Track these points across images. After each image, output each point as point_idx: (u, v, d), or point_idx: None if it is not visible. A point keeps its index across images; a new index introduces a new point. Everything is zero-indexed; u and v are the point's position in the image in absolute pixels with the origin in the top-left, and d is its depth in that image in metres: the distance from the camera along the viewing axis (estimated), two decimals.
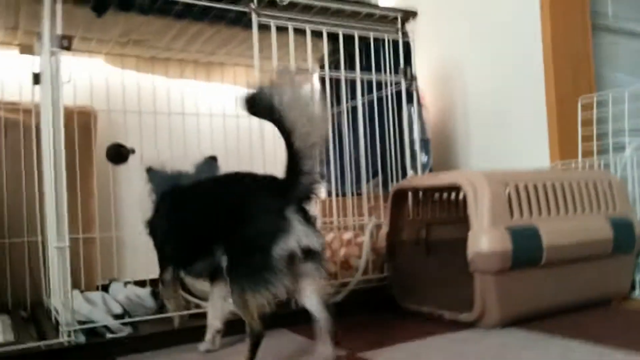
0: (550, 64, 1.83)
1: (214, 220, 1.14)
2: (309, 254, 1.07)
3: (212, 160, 1.43)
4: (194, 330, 1.34)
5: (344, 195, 1.84)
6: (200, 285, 1.77)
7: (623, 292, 1.52)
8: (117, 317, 1.45)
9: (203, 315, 1.36)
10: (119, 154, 2.05)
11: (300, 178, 1.05)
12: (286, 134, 1.04)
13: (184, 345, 1.31)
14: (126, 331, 1.35)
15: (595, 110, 1.77)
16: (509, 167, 1.91)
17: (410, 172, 1.80)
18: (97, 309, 1.44)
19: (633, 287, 1.54)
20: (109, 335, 1.31)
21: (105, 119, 2.08)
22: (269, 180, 1.13)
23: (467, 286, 1.38)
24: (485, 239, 1.26)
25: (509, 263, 1.26)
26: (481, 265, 1.26)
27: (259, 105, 1.08)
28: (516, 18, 1.92)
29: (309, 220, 1.07)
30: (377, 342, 1.24)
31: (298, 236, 1.04)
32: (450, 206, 1.69)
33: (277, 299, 1.09)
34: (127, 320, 1.39)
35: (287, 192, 1.06)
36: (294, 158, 1.05)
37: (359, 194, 1.77)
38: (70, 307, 1.29)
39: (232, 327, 1.38)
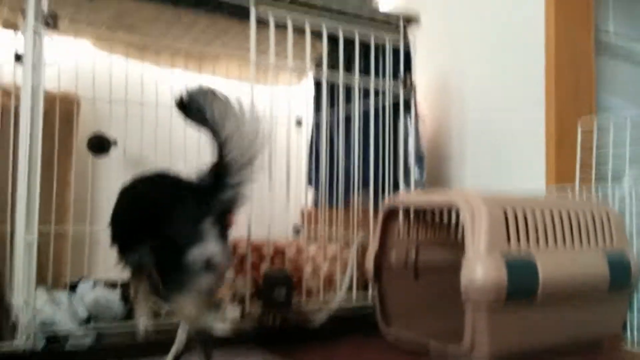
0: (552, 84, 1.77)
1: (142, 216, 1.17)
2: (211, 267, 1.07)
3: None
4: (163, 343, 1.25)
5: (331, 206, 1.76)
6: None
7: (616, 332, 1.46)
8: (81, 320, 1.36)
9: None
10: (100, 144, 1.96)
11: (225, 190, 1.07)
12: (218, 144, 1.07)
13: (151, 358, 1.22)
14: (89, 339, 1.26)
15: (595, 136, 1.72)
16: (504, 186, 1.85)
17: (402, 186, 1.73)
18: (62, 311, 1.35)
19: (624, 328, 1.48)
20: (69, 343, 1.22)
21: (89, 107, 1.98)
22: (196, 186, 1.12)
23: (456, 315, 1.32)
24: (480, 267, 1.19)
25: (503, 295, 1.19)
26: (474, 295, 1.19)
27: (193, 109, 1.10)
28: (520, 33, 1.86)
29: (222, 234, 1.08)
30: None
31: (208, 248, 1.06)
32: (441, 227, 1.62)
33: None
34: (91, 328, 1.29)
35: (210, 202, 1.08)
36: (222, 170, 1.07)
37: (347, 206, 1.70)
38: (32, 307, 1.20)
39: None
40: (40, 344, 1.19)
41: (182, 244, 1.06)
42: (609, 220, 1.45)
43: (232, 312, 1.44)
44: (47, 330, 1.22)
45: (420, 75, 1.90)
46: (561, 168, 1.76)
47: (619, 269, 1.40)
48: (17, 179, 1.59)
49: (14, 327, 1.30)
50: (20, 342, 1.17)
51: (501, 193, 1.42)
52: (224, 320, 1.30)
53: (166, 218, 1.10)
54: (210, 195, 1.08)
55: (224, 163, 1.07)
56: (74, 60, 1.93)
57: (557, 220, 1.34)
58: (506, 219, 1.25)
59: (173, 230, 1.09)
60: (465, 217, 1.24)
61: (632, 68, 2.08)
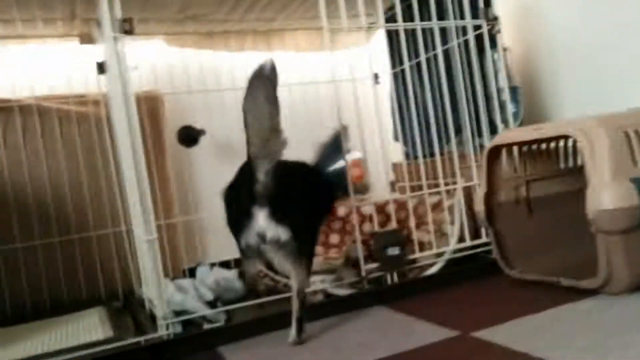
0: None
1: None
2: (278, 244, 1.19)
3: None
4: (288, 315, 1.29)
5: (431, 155, 1.71)
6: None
7: None
8: (209, 303, 1.42)
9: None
10: (189, 136, 2.03)
11: (256, 185, 1.17)
12: (246, 138, 1.16)
13: (282, 331, 1.25)
14: (222, 319, 1.32)
15: None
16: (608, 107, 1.70)
17: (500, 125, 1.64)
18: (189, 297, 1.42)
19: None
20: (206, 326, 1.29)
21: (172, 102, 2.04)
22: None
23: (581, 248, 1.24)
24: (607, 194, 1.10)
25: (637, 219, 1.10)
26: (605, 224, 1.11)
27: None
28: None
29: (275, 215, 1.18)
30: (488, 318, 1.13)
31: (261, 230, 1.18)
32: (549, 159, 1.53)
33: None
34: (222, 308, 1.35)
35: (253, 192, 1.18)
36: (250, 164, 1.17)
37: (442, 154, 1.64)
38: (165, 299, 1.27)
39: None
40: (179, 331, 1.25)
41: (235, 231, 1.24)
42: None
43: (348, 275, 1.46)
44: (181, 317, 1.29)
45: (499, 3, 1.77)
46: None
47: None
48: (123, 183, 1.68)
49: (151, 317, 1.39)
50: (161, 332, 1.24)
51: (616, 112, 1.30)
52: (342, 284, 1.34)
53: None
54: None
55: (249, 156, 1.18)
56: (149, 59, 1.99)
57: None
58: (629, 139, 1.14)
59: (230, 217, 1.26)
60: (584, 146, 1.15)
61: None
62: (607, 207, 1.10)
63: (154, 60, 2.01)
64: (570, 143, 1.53)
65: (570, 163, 1.55)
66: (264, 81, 1.14)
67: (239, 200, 1.21)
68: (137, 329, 1.39)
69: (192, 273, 1.78)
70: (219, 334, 1.24)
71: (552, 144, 1.54)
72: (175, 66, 2.03)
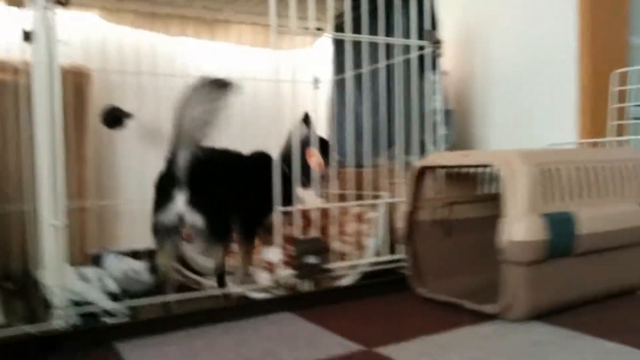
0: (587, 32, 1.68)
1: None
2: (195, 229, 1.35)
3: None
4: (201, 314, 1.25)
5: (360, 166, 1.72)
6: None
7: None
8: (113, 295, 1.35)
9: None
10: (114, 117, 1.92)
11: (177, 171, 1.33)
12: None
13: (187, 331, 1.21)
14: (124, 311, 1.25)
15: (628, 87, 1.65)
16: (531, 141, 1.79)
17: (429, 145, 1.68)
18: (92, 288, 1.35)
19: None
20: (105, 320, 1.22)
21: (102, 80, 1.94)
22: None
23: (490, 273, 1.29)
24: (519, 227, 1.15)
25: (543, 253, 1.16)
26: (514, 255, 1.16)
27: None
28: None
29: (192, 200, 1.32)
30: (393, 335, 1.14)
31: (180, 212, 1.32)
32: (471, 184, 1.58)
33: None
34: (125, 303, 1.28)
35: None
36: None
37: (375, 166, 1.66)
38: (64, 288, 1.19)
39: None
40: (76, 322, 1.18)
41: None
42: None
43: (263, 279, 1.44)
44: (81, 308, 1.22)
45: (445, 28, 1.82)
46: (595, 120, 1.69)
47: None
48: (37, 158, 1.57)
49: (46, 304, 1.30)
50: (57, 322, 1.16)
51: (537, 149, 1.37)
52: (257, 287, 1.33)
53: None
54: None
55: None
56: (82, 32, 1.88)
57: (594, 173, 1.30)
58: (544, 176, 1.20)
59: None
60: (505, 177, 1.20)
61: None
62: (517, 239, 1.15)
63: (87, 34, 1.90)
64: (492, 170, 1.59)
65: (490, 189, 1.61)
66: (206, 91, 1.32)
67: (163, 182, 1.35)
68: (31, 315, 1.30)
69: (98, 260, 1.69)
70: (120, 329, 1.18)
71: (476, 170, 1.59)
72: (109, 43, 1.93)
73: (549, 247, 1.16)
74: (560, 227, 1.18)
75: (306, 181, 1.54)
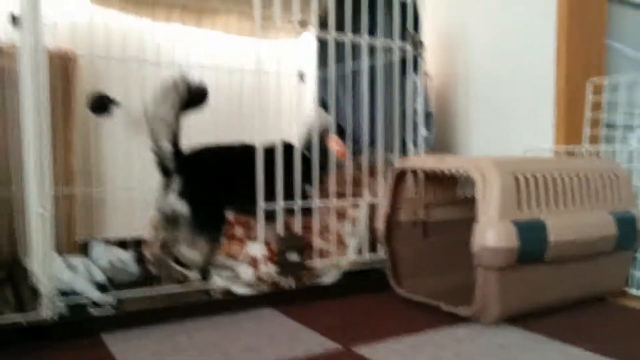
0: (563, 41, 1.72)
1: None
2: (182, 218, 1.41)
3: None
4: (185, 307, 1.29)
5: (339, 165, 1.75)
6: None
7: (619, 288, 1.51)
8: (100, 286, 1.39)
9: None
10: (101, 104, 1.93)
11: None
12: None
13: (173, 324, 1.26)
14: (110, 302, 1.29)
15: (603, 95, 1.71)
16: (510, 145, 1.85)
17: (410, 146, 1.73)
18: (79, 277, 1.38)
19: (627, 283, 1.53)
20: (93, 311, 1.25)
21: (89, 65, 1.93)
22: None
23: (465, 275, 1.35)
24: (492, 233, 1.21)
25: (514, 259, 1.22)
26: (486, 260, 1.22)
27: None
28: None
29: (181, 190, 1.41)
30: (370, 334, 1.20)
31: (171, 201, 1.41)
32: (450, 186, 1.63)
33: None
34: (113, 294, 1.32)
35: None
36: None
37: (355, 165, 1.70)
38: (52, 278, 1.22)
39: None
40: (63, 312, 1.21)
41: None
42: (617, 179, 1.46)
43: (246, 274, 1.48)
44: (68, 299, 1.25)
45: (427, 32, 1.85)
46: (571, 128, 1.75)
47: (626, 228, 1.42)
48: (23, 143, 1.58)
49: (34, 293, 1.32)
50: (44, 311, 1.19)
51: (511, 157, 1.42)
52: (239, 282, 1.37)
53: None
54: None
55: None
56: (69, 16, 1.87)
57: (566, 182, 1.36)
58: (517, 184, 1.26)
59: None
60: (478, 184, 1.25)
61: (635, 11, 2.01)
62: (490, 245, 1.21)
63: (74, 17, 1.89)
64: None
65: (468, 193, 1.67)
66: (177, 93, 1.40)
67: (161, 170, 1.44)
68: (18, 303, 1.33)
69: (86, 248, 1.71)
70: (106, 320, 1.22)
71: (457, 171, 1.64)
72: (97, 28, 1.92)
73: (520, 254, 1.22)
74: (532, 234, 1.24)
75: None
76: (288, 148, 1.51)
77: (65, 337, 1.17)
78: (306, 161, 1.53)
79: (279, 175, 1.45)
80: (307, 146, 1.59)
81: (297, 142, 1.60)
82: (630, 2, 1.95)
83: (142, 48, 1.95)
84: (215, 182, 1.48)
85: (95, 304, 1.29)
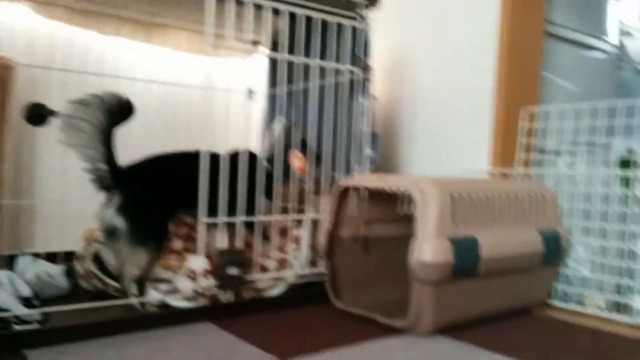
0: (502, 70, 1.83)
1: None
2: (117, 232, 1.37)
3: None
4: (117, 322, 1.25)
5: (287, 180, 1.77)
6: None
7: (544, 300, 1.60)
8: (25, 300, 1.32)
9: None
10: (38, 114, 1.86)
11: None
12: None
13: (103, 340, 1.21)
14: (35, 318, 1.23)
15: (536, 123, 1.82)
16: (451, 166, 1.92)
17: (355, 165, 1.76)
18: (3, 292, 1.30)
19: (550, 296, 1.63)
20: (16, 326, 1.19)
21: (28, 75, 1.87)
22: None
23: (402, 289, 1.38)
24: (428, 249, 1.24)
25: (449, 274, 1.26)
26: (422, 275, 1.25)
27: None
28: (474, 19, 1.90)
29: (118, 204, 1.37)
30: (307, 346, 1.20)
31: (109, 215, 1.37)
32: (391, 204, 1.67)
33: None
34: (39, 310, 1.26)
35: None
36: None
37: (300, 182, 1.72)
38: None
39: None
40: None
41: None
42: (545, 200, 1.54)
43: (185, 287, 1.44)
44: None
45: (376, 56, 1.91)
46: (506, 152, 1.84)
47: (552, 245, 1.50)
48: None
49: None
50: None
51: (449, 177, 1.48)
52: (177, 295, 1.34)
53: None
54: None
55: None
56: (8, 24, 1.82)
57: (497, 202, 1.42)
58: (453, 203, 1.30)
59: None
60: (418, 203, 1.29)
61: (568, 47, 2.16)
62: (426, 260, 1.24)
63: (14, 25, 1.83)
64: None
65: (407, 210, 1.71)
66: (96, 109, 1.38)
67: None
68: None
69: (12, 261, 1.63)
70: (30, 336, 1.16)
71: (398, 189, 1.69)
72: (38, 37, 1.87)
73: (454, 269, 1.26)
74: (465, 250, 1.29)
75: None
76: (252, 157, 1.53)
77: None
78: (268, 174, 1.54)
79: (223, 186, 1.44)
80: (269, 159, 1.60)
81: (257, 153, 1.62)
82: (564, 37, 2.10)
83: (86, 59, 1.92)
84: (159, 193, 1.44)
85: (20, 319, 1.22)
